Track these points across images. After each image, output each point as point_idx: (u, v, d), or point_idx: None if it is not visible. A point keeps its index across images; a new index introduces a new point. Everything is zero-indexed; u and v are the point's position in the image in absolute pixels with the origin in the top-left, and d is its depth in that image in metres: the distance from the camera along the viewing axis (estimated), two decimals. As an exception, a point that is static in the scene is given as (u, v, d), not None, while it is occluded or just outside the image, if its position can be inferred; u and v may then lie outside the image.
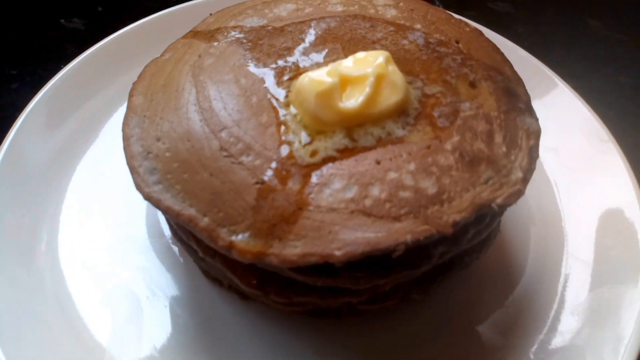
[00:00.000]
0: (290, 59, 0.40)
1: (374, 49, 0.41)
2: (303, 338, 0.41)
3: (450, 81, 0.40)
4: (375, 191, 0.34)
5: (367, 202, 0.33)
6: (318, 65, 0.40)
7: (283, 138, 0.36)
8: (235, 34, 0.43)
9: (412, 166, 0.35)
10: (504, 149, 0.37)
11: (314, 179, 0.34)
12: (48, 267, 0.44)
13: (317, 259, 0.32)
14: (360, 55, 0.38)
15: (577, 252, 0.47)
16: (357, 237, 0.32)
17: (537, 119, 0.40)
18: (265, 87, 0.38)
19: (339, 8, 0.45)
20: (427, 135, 0.37)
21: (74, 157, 0.51)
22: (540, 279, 0.45)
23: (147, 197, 0.35)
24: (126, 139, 0.37)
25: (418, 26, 0.44)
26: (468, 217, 0.34)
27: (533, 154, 0.38)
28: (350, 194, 0.33)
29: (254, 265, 0.36)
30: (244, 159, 0.35)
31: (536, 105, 0.42)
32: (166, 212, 0.34)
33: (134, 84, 0.41)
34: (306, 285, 0.36)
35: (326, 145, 0.35)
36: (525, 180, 0.36)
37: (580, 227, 0.48)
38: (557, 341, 0.41)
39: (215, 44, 0.42)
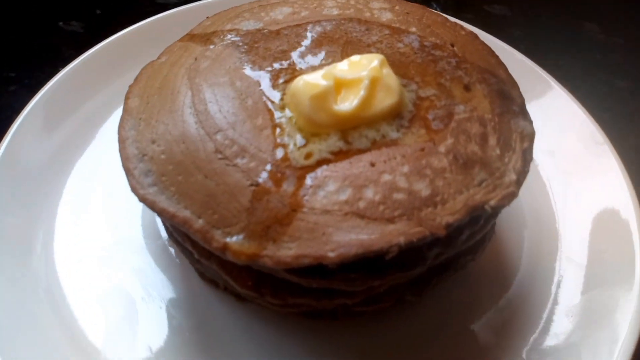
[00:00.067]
0: (286, 62, 0.41)
1: (369, 52, 0.41)
2: (298, 339, 0.41)
3: (444, 84, 0.40)
4: (369, 193, 0.34)
5: (361, 204, 0.33)
6: (313, 68, 0.40)
7: (278, 140, 0.36)
8: (231, 37, 0.43)
9: (406, 168, 0.35)
10: (497, 151, 0.37)
11: (308, 181, 0.34)
12: (43, 268, 0.44)
13: (310, 261, 0.32)
14: (355, 58, 0.38)
15: (571, 254, 0.47)
16: (350, 238, 0.32)
17: (531, 122, 0.40)
18: (261, 90, 0.39)
19: (335, 11, 0.45)
20: (422, 137, 0.37)
21: (71, 159, 0.51)
22: (535, 280, 0.45)
23: (142, 199, 0.35)
24: (122, 141, 0.37)
25: (413, 29, 0.44)
26: (461, 219, 0.34)
27: (527, 157, 0.38)
28: (344, 196, 0.34)
29: (249, 267, 0.36)
30: (238, 161, 0.35)
31: (532, 107, 0.43)
32: (161, 213, 0.35)
33: (130, 86, 0.41)
34: (301, 286, 0.36)
35: (321, 148, 0.36)
36: (519, 182, 0.37)
37: (575, 229, 0.48)
38: (551, 342, 0.42)
39: (212, 47, 0.43)
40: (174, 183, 0.35)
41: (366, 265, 0.34)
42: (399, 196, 0.34)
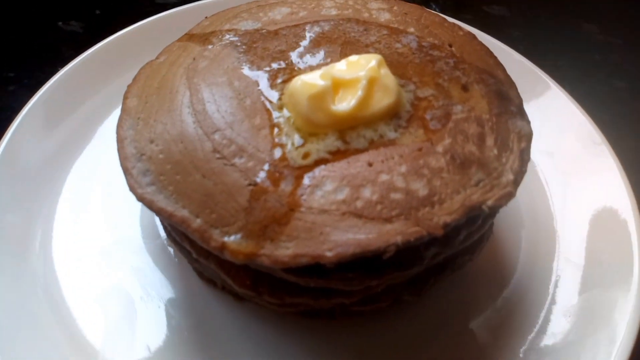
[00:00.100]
0: (284, 62, 0.41)
1: (368, 52, 0.41)
2: (296, 339, 0.42)
3: (442, 84, 0.40)
4: (366, 193, 0.34)
5: (359, 204, 0.33)
6: (311, 68, 0.40)
7: (276, 140, 0.36)
8: (229, 37, 0.43)
9: (403, 168, 0.35)
10: (495, 151, 0.37)
11: (306, 180, 0.34)
12: (42, 267, 0.44)
13: (308, 260, 0.32)
14: (353, 58, 0.38)
15: (569, 255, 0.47)
16: (348, 238, 0.32)
17: (528, 122, 0.40)
18: (259, 90, 0.39)
19: (333, 12, 0.46)
20: (419, 137, 0.37)
21: (70, 159, 0.51)
22: (532, 280, 0.45)
23: (140, 198, 0.35)
24: (120, 140, 0.37)
25: (411, 30, 0.44)
26: (458, 219, 0.34)
27: (524, 157, 0.38)
28: (341, 195, 0.34)
29: (247, 266, 0.36)
30: (236, 160, 0.35)
31: (530, 108, 0.43)
32: (159, 213, 0.35)
33: (129, 86, 0.41)
34: (299, 286, 0.36)
35: (318, 148, 0.36)
36: (516, 182, 0.37)
37: (573, 229, 0.48)
38: (548, 342, 0.42)
39: (210, 47, 0.43)
40: (172, 182, 0.35)
41: (364, 264, 0.34)
42: (396, 196, 0.34)
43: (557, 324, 0.43)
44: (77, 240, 0.46)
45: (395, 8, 0.47)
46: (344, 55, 0.41)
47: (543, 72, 0.58)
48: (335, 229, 0.33)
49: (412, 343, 0.42)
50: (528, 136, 0.39)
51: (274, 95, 0.38)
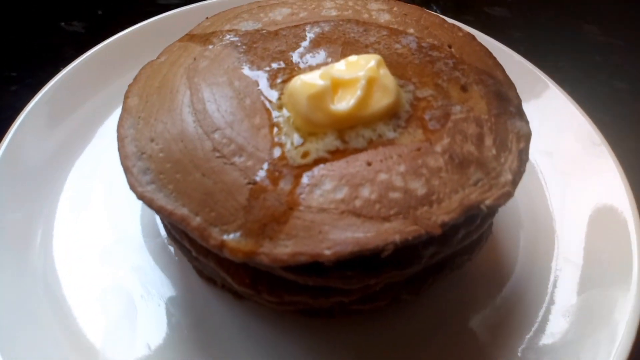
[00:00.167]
0: (284, 62, 0.41)
1: (367, 52, 0.42)
2: (296, 337, 0.42)
3: (441, 85, 0.40)
4: (365, 192, 0.34)
5: (357, 203, 0.34)
6: (311, 68, 0.40)
7: (275, 139, 0.36)
8: (230, 38, 0.44)
9: (402, 168, 0.35)
10: (493, 151, 0.37)
11: (305, 179, 0.35)
12: (42, 265, 0.44)
13: (307, 258, 0.32)
14: (352, 58, 0.38)
15: (568, 255, 0.47)
16: (346, 237, 0.32)
17: (527, 123, 0.41)
18: (259, 90, 0.39)
19: (333, 12, 0.46)
20: (418, 137, 0.37)
21: (71, 158, 0.52)
22: (531, 280, 0.46)
23: (140, 197, 0.35)
24: (121, 139, 0.38)
25: (411, 30, 0.44)
26: (457, 218, 0.34)
27: (523, 157, 0.38)
28: (340, 194, 0.34)
29: (246, 265, 0.36)
30: (236, 159, 0.35)
31: (530, 109, 0.43)
32: (159, 211, 0.35)
33: (130, 85, 0.41)
34: (298, 284, 0.36)
35: (317, 147, 0.36)
36: (515, 182, 0.37)
37: (572, 229, 0.48)
38: (547, 341, 0.42)
39: (210, 47, 0.43)
40: (172, 181, 0.35)
41: (362, 263, 0.34)
42: (394, 195, 0.34)
43: (556, 324, 0.43)
44: (78, 239, 0.46)
45: (395, 9, 0.47)
46: (343, 55, 0.41)
47: (542, 73, 0.59)
48: (333, 228, 0.33)
49: (410, 342, 0.42)
50: (527, 136, 0.40)
51: (273, 95, 0.39)
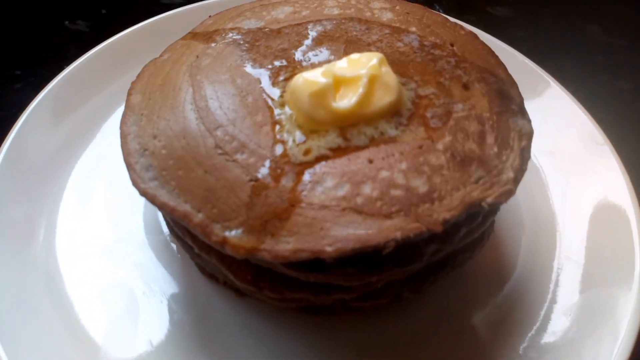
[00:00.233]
0: (286, 60, 0.41)
1: (369, 51, 0.42)
2: (297, 334, 0.42)
3: (443, 83, 0.40)
4: (366, 189, 0.34)
5: (359, 200, 0.34)
6: (313, 66, 0.41)
7: (277, 137, 0.36)
8: (232, 36, 0.44)
9: (403, 165, 0.35)
10: (495, 149, 0.37)
11: (306, 176, 0.35)
12: (45, 262, 0.44)
13: (308, 255, 0.32)
14: (355, 56, 0.39)
15: (570, 253, 0.47)
16: (348, 233, 0.32)
17: (529, 121, 0.41)
18: (261, 87, 0.39)
19: (336, 11, 0.46)
20: (420, 135, 0.37)
21: (74, 154, 0.52)
22: (532, 278, 0.46)
23: (143, 193, 0.35)
24: (123, 136, 0.38)
25: (413, 29, 0.45)
26: (458, 216, 0.34)
27: (525, 155, 0.38)
28: (342, 191, 0.34)
29: (248, 261, 0.36)
30: (238, 156, 0.35)
31: (532, 108, 0.43)
32: (161, 207, 0.35)
33: (133, 83, 0.42)
34: (299, 281, 0.36)
35: (319, 144, 0.36)
36: (516, 180, 0.37)
37: (574, 228, 0.48)
38: (548, 339, 0.42)
39: (213, 45, 0.43)
40: (174, 178, 0.36)
41: (363, 260, 0.34)
42: (396, 192, 0.34)
43: (558, 322, 0.43)
44: (80, 235, 0.47)
45: (397, 7, 0.47)
46: (346, 53, 0.41)
47: (544, 72, 0.59)
48: (335, 225, 0.33)
49: (412, 340, 0.42)
50: (529, 135, 0.40)
51: (275, 93, 0.39)
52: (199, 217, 0.34)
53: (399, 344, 0.42)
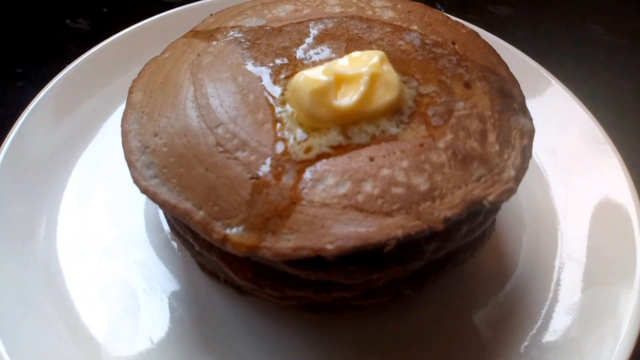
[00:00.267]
0: (287, 58, 0.41)
1: (371, 49, 0.42)
2: (297, 332, 0.42)
3: (445, 81, 0.40)
4: (367, 187, 0.34)
5: (360, 198, 0.34)
6: (314, 64, 0.41)
7: (278, 135, 0.36)
8: (234, 34, 0.44)
9: (405, 163, 0.35)
10: (497, 147, 0.37)
11: (307, 174, 0.35)
12: (46, 259, 0.44)
13: (309, 253, 0.32)
14: (356, 54, 0.39)
15: (571, 252, 0.47)
16: (349, 231, 0.32)
17: (531, 119, 0.41)
18: (262, 85, 0.39)
19: (337, 9, 0.46)
20: (421, 133, 0.37)
21: (75, 152, 0.52)
22: (534, 277, 0.46)
23: (144, 191, 0.35)
24: (124, 134, 0.38)
25: (415, 27, 0.45)
26: (459, 214, 0.34)
27: (526, 153, 0.38)
28: (343, 189, 0.34)
29: (249, 259, 0.36)
30: (239, 154, 0.35)
31: (534, 107, 0.43)
32: (162, 205, 0.35)
33: (134, 81, 0.42)
34: (300, 279, 0.36)
35: (320, 142, 0.36)
36: (518, 178, 0.37)
37: (575, 227, 0.48)
38: (550, 338, 0.42)
39: (214, 43, 0.43)
40: (175, 175, 0.36)
41: (364, 258, 0.34)
42: (397, 190, 0.34)
43: (559, 321, 0.43)
44: (81, 233, 0.47)
45: (398, 6, 0.47)
46: (347, 52, 0.41)
47: (546, 71, 0.59)
48: (336, 222, 0.33)
49: (412, 338, 0.42)
50: (530, 133, 0.39)
51: (276, 91, 0.39)
52: (200, 214, 0.34)
53: (400, 342, 0.42)
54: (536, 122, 0.40)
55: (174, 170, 0.36)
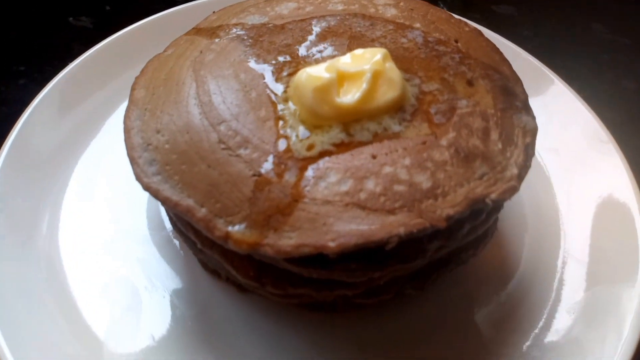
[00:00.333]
0: (290, 56, 0.41)
1: (373, 46, 0.42)
2: (299, 330, 0.42)
3: (448, 79, 0.40)
4: (370, 185, 0.34)
5: (362, 196, 0.34)
6: (317, 62, 0.40)
7: (281, 132, 0.36)
8: (236, 31, 0.44)
9: (407, 161, 0.35)
10: (499, 145, 0.37)
11: (310, 172, 0.35)
12: (48, 256, 0.44)
13: (311, 250, 0.32)
14: (358, 52, 0.38)
15: (574, 252, 0.47)
16: (351, 229, 0.32)
17: (534, 117, 0.40)
18: (265, 83, 0.39)
19: (340, 7, 0.46)
20: (423, 131, 0.37)
21: (78, 149, 0.52)
22: (536, 277, 0.45)
23: (146, 188, 0.35)
24: (127, 131, 0.38)
25: (417, 25, 0.44)
26: (462, 212, 0.34)
27: (529, 151, 0.38)
28: (345, 187, 0.34)
29: (250, 257, 0.36)
30: (241, 151, 0.35)
31: (537, 106, 0.43)
32: (164, 202, 0.35)
33: (137, 78, 0.42)
34: (302, 277, 0.36)
35: (323, 140, 0.36)
36: (520, 176, 0.37)
37: (578, 226, 0.48)
38: (552, 338, 0.42)
39: (217, 40, 0.43)
40: (177, 172, 0.35)
41: (366, 256, 0.34)
42: (399, 188, 0.34)
43: (561, 321, 0.43)
44: (83, 230, 0.47)
45: (401, 4, 0.47)
46: (350, 49, 0.41)
47: (549, 70, 0.58)
48: (338, 220, 0.33)
49: (414, 337, 0.42)
50: (533, 131, 0.39)
51: (279, 88, 0.39)
52: (202, 211, 0.34)
53: (401, 341, 0.42)
54: (539, 121, 0.40)
55: (176, 167, 0.36)
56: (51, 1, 0.76)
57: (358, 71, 0.37)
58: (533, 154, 0.38)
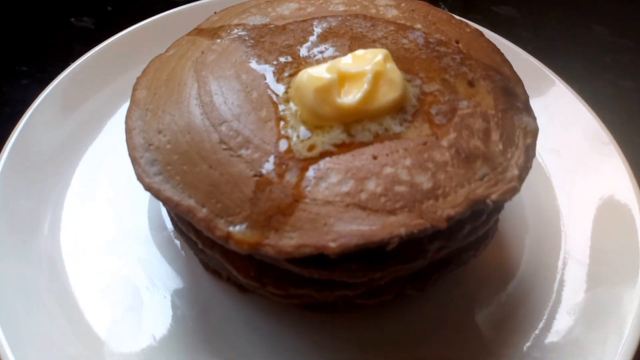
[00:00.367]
0: (291, 56, 0.41)
1: (374, 47, 0.42)
2: (300, 331, 0.42)
3: (449, 80, 0.40)
4: (371, 185, 0.34)
5: (363, 196, 0.34)
6: (318, 62, 0.41)
7: (282, 132, 0.36)
8: (238, 32, 0.44)
9: (408, 161, 0.35)
10: (500, 146, 0.37)
11: (311, 172, 0.35)
12: (49, 256, 0.45)
13: (311, 250, 0.32)
14: (360, 52, 0.39)
15: (575, 253, 0.47)
16: (351, 229, 0.32)
17: (534, 118, 0.40)
18: (266, 83, 0.39)
19: (341, 8, 0.46)
20: (424, 132, 0.37)
21: (80, 149, 0.52)
22: (537, 277, 0.45)
23: (148, 188, 0.36)
24: (128, 131, 0.38)
25: (418, 26, 0.45)
26: (462, 212, 0.34)
27: (530, 152, 0.38)
28: (346, 187, 0.34)
29: (251, 257, 0.36)
30: (242, 152, 0.36)
31: (537, 107, 0.43)
32: (166, 202, 0.35)
33: (138, 78, 0.42)
34: (302, 277, 0.36)
35: (324, 140, 0.36)
36: (521, 177, 0.37)
37: (578, 227, 0.48)
38: (552, 338, 0.42)
39: (218, 41, 0.43)
40: (179, 172, 0.36)
41: (367, 256, 0.34)
42: (400, 188, 0.34)
43: (562, 321, 0.43)
44: (85, 230, 0.47)
45: (402, 5, 0.47)
46: (351, 50, 0.41)
47: (550, 71, 0.58)
48: (339, 220, 0.33)
49: (414, 337, 0.42)
50: (534, 132, 0.39)
51: (280, 89, 0.39)
52: (203, 211, 0.34)
53: (402, 341, 0.42)
54: (540, 122, 0.40)
55: (177, 168, 0.36)
56: (53, 1, 0.77)
57: (359, 72, 0.37)
58: (534, 155, 0.38)
